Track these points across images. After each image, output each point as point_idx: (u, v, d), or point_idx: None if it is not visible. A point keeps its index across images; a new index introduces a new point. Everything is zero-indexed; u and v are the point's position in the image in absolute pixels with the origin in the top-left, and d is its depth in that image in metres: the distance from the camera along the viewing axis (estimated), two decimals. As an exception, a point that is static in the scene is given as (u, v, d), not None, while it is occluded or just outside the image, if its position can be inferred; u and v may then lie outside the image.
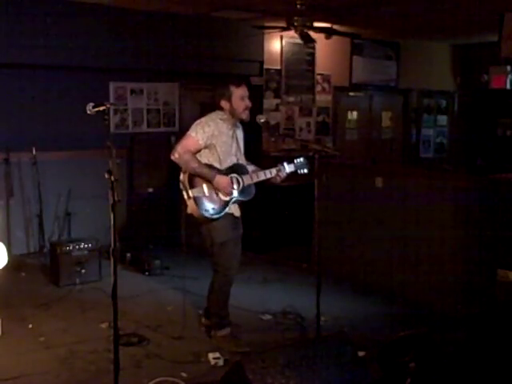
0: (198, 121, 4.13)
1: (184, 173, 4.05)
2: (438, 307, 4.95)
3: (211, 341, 4.27)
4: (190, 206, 4.04)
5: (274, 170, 4.21)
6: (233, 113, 4.13)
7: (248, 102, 4.16)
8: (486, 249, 4.76)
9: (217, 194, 4.06)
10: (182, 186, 4.07)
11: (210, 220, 4.06)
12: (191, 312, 4.74)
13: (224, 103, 4.13)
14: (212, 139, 4.04)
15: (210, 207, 4.02)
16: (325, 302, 3.96)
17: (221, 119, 4.11)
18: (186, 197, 4.03)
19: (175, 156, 4.00)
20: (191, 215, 4.09)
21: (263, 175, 4.19)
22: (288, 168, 4.23)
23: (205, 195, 4.02)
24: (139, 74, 7.11)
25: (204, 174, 4.01)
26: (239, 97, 4.12)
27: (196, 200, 4.00)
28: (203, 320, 4.49)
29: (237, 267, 4.24)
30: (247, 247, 4.40)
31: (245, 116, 4.16)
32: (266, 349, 3.46)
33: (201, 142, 4.02)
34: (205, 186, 4.03)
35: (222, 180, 4.03)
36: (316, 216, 3.90)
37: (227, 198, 4.08)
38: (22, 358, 3.98)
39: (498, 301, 4.55)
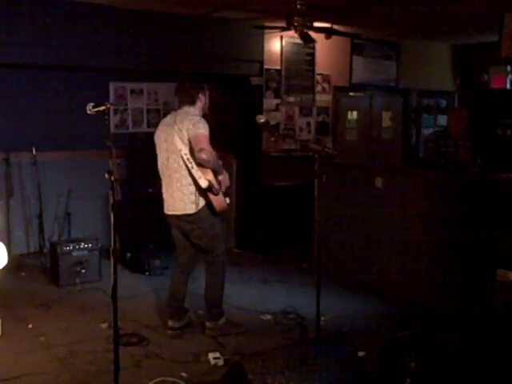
0: (196, 118, 4.13)
1: (206, 173, 4.05)
2: (437, 307, 4.95)
3: (214, 333, 4.35)
4: (220, 202, 4.14)
5: None
6: (204, 108, 4.28)
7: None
8: (486, 249, 4.76)
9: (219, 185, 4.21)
10: (208, 185, 4.02)
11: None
12: (191, 312, 4.74)
13: (202, 97, 4.25)
14: None
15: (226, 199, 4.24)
16: (325, 301, 3.96)
17: (195, 115, 4.21)
18: (214, 194, 4.07)
19: (207, 155, 3.96)
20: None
21: None
22: None
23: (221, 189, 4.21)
24: (139, 74, 7.10)
25: (221, 168, 4.19)
26: (208, 94, 4.31)
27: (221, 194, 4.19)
28: (207, 324, 4.47)
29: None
30: (248, 247, 4.40)
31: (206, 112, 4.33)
32: (266, 349, 3.45)
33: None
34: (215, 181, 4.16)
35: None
36: (316, 216, 3.90)
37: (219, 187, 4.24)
38: (22, 358, 3.98)
39: (497, 301, 4.55)
